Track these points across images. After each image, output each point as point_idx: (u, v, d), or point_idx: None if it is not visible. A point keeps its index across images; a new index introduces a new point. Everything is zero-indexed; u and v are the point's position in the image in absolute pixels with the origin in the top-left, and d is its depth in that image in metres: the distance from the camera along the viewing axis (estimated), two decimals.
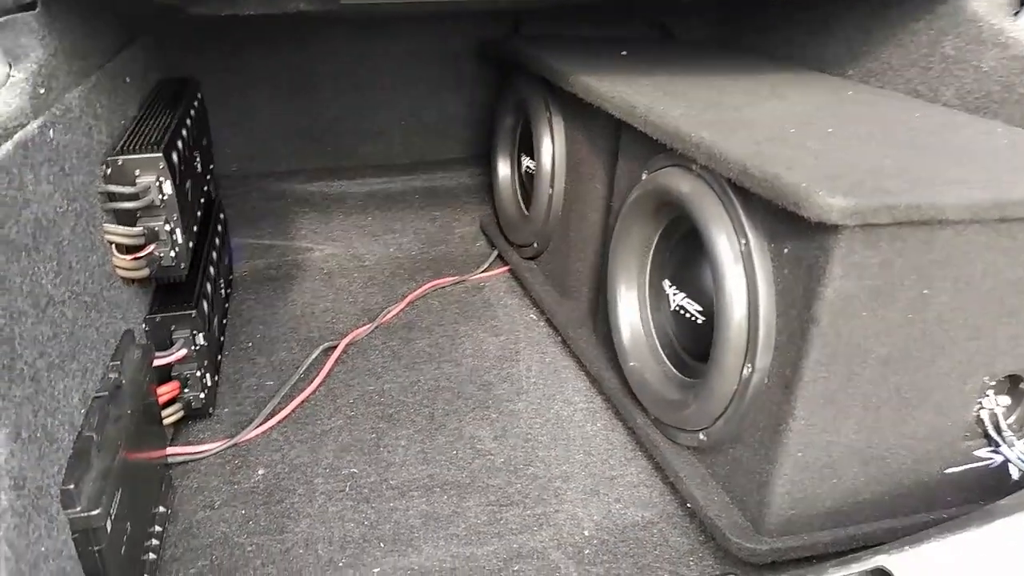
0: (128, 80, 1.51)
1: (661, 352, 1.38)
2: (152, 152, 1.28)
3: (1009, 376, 1.17)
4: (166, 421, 1.39)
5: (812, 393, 1.05)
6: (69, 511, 0.90)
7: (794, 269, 1.03)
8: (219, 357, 1.68)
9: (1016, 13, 1.49)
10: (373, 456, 1.44)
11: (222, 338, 1.76)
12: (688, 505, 1.28)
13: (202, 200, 1.67)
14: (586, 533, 1.28)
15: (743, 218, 1.10)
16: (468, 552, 1.23)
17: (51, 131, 1.05)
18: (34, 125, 1.01)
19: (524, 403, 1.60)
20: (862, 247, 0.96)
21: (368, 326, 1.86)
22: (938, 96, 1.59)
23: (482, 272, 2.15)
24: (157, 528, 1.21)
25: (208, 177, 1.81)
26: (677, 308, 1.32)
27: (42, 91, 1.06)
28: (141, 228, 1.28)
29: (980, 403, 1.16)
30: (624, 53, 1.91)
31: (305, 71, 2.29)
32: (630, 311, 1.43)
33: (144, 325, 1.39)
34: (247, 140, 2.32)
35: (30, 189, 0.95)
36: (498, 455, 1.45)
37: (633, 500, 1.34)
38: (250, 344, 1.80)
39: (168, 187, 1.30)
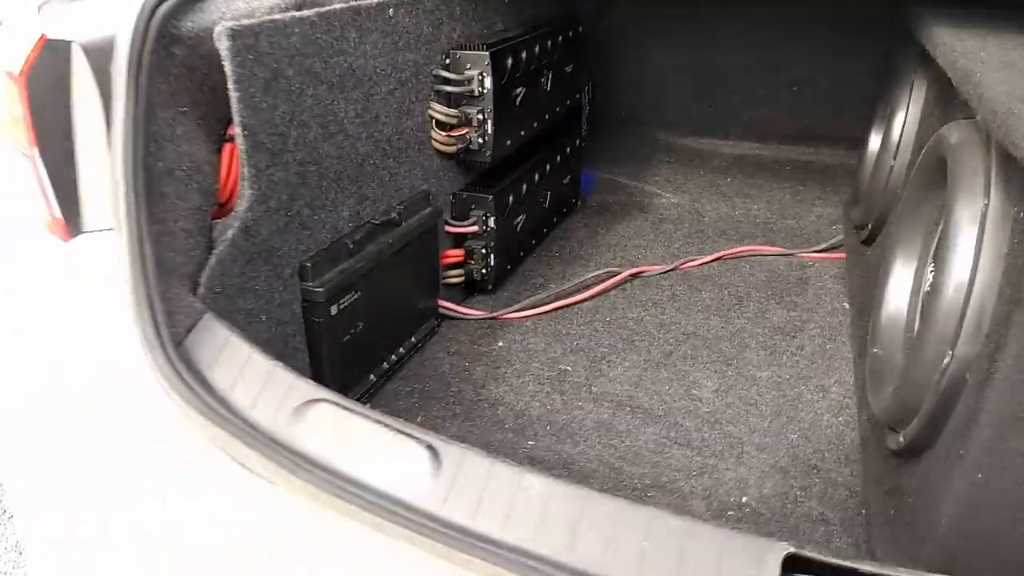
0: (506, 1, 1.78)
1: (903, 338, 1.16)
2: (481, 50, 1.52)
3: None
4: (445, 280, 1.66)
5: (1009, 399, 0.80)
6: (303, 283, 1.19)
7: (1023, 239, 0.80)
8: (522, 252, 1.89)
9: None
10: (593, 364, 1.51)
11: (535, 241, 1.98)
12: (860, 514, 1.08)
13: (547, 116, 1.89)
14: (744, 499, 1.17)
15: (993, 174, 0.88)
16: (616, 465, 1.24)
17: (391, 10, 1.34)
18: (373, 1, 1.30)
19: (771, 372, 1.49)
20: None
21: (664, 267, 1.89)
22: None
23: (815, 251, 1.98)
24: (401, 350, 1.49)
25: (566, 102, 2.02)
26: (928, 289, 1.09)
27: None
28: (458, 111, 1.54)
29: None
30: None
31: (705, 30, 2.34)
32: (897, 292, 1.22)
33: (451, 197, 1.66)
34: (640, 89, 2.48)
35: (350, 44, 1.25)
36: (706, 405, 1.39)
37: (818, 494, 1.18)
38: (557, 253, 1.99)
39: (488, 83, 1.53)
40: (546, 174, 1.95)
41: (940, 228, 1.11)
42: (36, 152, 0.91)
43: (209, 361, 0.91)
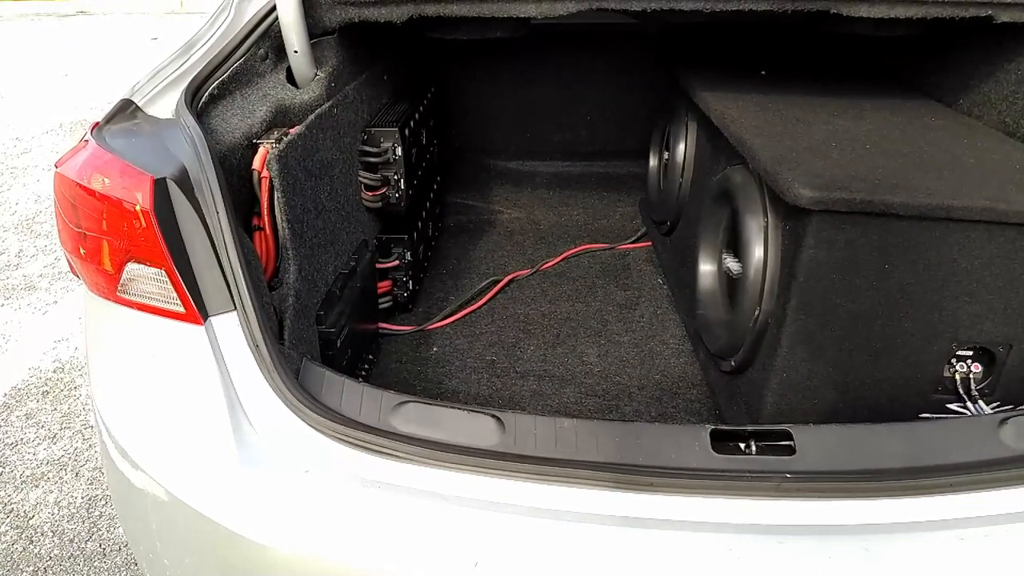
0: (386, 78, 2.22)
1: (721, 303, 1.83)
2: (392, 127, 1.96)
3: (982, 348, 1.48)
4: (380, 306, 2.09)
5: (794, 331, 1.46)
6: (319, 327, 1.59)
7: (790, 241, 1.46)
8: (422, 274, 2.36)
9: None
10: (509, 352, 2.04)
11: (426, 263, 2.45)
12: (716, 412, 1.73)
13: (424, 164, 2.36)
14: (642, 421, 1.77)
15: (767, 204, 1.54)
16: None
17: (336, 109, 1.75)
18: (326, 105, 1.70)
19: (628, 337, 2.11)
20: (830, 227, 1.37)
21: (529, 270, 2.46)
22: (1019, 128, 1.84)
23: (629, 243, 2.66)
24: (366, 366, 1.91)
25: (432, 149, 2.50)
26: (727, 269, 1.76)
27: (333, 84, 1.76)
28: (379, 175, 1.97)
29: (952, 365, 1.49)
30: (763, 72, 2.31)
31: (516, 74, 2.92)
32: (705, 273, 1.89)
33: (375, 240, 2.09)
34: (469, 124, 3.00)
35: (320, 142, 1.65)
36: (596, 366, 1.98)
37: (685, 408, 1.81)
38: (444, 271, 2.47)
39: (399, 151, 1.98)
40: (429, 209, 2.43)
41: (727, 232, 1.79)
42: (168, 265, 1.23)
43: (317, 390, 1.31)
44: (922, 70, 2.20)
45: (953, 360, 1.49)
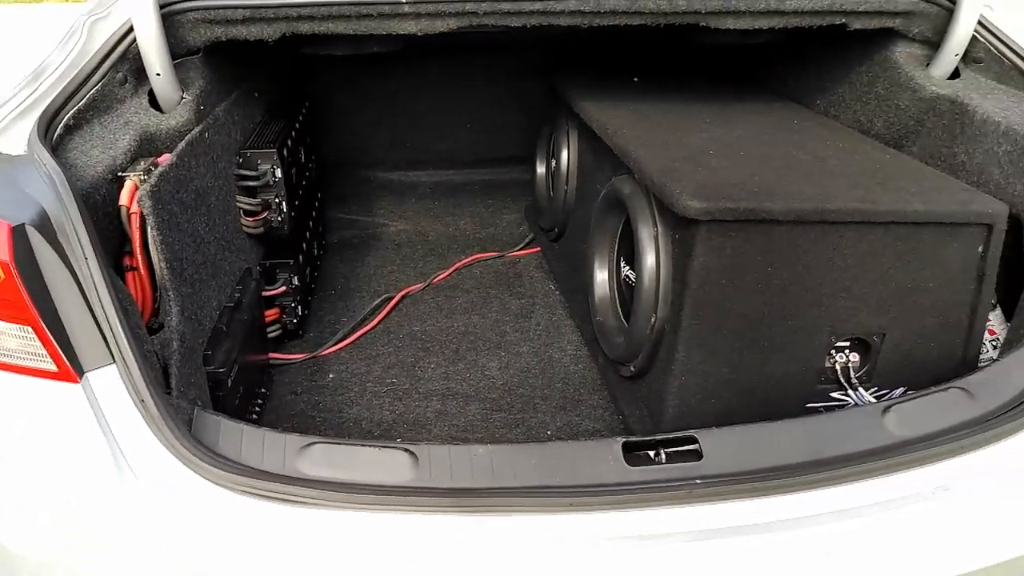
0: (257, 95, 2.11)
1: (617, 310, 1.87)
2: (269, 148, 1.87)
3: (859, 339, 1.59)
4: (269, 335, 2.00)
5: (689, 336, 1.51)
6: (207, 367, 1.49)
7: (680, 249, 1.50)
8: (310, 297, 2.27)
9: (927, 64, 1.87)
10: (409, 373, 1.99)
11: (313, 285, 2.36)
12: (620, 417, 1.77)
13: (304, 183, 2.27)
14: (549, 433, 1.78)
15: (656, 213, 1.58)
16: (462, 436, 1.76)
17: (207, 133, 1.65)
18: (197, 130, 1.60)
19: (527, 347, 2.12)
20: (717, 235, 1.42)
21: (422, 284, 2.42)
22: (872, 126, 1.98)
23: (518, 250, 2.67)
24: (259, 401, 1.81)
25: (311, 166, 2.41)
26: (626, 277, 1.80)
27: (202, 107, 1.66)
28: (259, 199, 1.88)
29: (832, 356, 1.59)
30: (636, 79, 2.38)
31: (393, 85, 2.86)
32: (600, 281, 1.92)
33: (259, 267, 1.99)
34: (344, 137, 2.92)
35: (194, 171, 1.55)
36: (499, 379, 1.97)
37: (589, 415, 1.84)
38: (332, 291, 2.39)
39: (278, 172, 1.89)
40: (312, 228, 2.34)
41: (620, 240, 1.83)
42: (34, 321, 1.11)
43: (213, 440, 1.23)
44: (783, 75, 2.34)
45: (833, 351, 1.59)
